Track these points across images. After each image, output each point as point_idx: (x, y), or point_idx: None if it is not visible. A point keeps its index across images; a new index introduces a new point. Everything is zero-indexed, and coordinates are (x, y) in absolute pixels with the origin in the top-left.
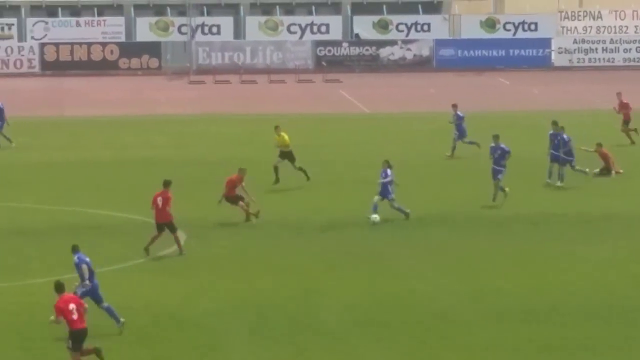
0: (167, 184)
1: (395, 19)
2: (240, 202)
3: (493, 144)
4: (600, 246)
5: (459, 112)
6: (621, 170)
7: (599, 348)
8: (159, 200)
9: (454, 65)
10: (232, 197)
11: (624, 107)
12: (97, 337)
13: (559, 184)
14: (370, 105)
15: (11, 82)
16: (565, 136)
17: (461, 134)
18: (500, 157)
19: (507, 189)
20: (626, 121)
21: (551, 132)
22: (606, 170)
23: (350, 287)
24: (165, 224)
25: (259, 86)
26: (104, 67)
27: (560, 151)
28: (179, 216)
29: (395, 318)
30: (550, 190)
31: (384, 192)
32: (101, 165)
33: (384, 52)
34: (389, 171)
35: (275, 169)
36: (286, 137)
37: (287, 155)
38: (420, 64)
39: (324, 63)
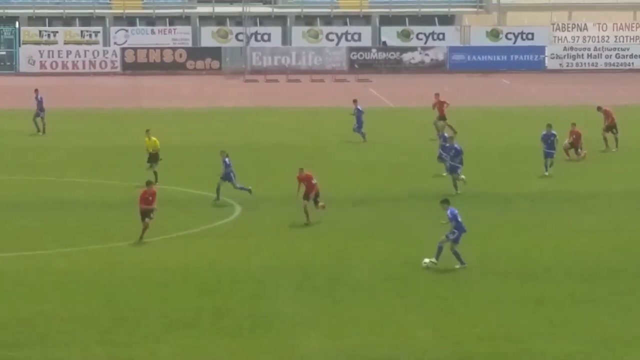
0: (149, 183)
1: (416, 29)
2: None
3: (447, 144)
4: (587, 218)
5: (359, 107)
6: (585, 152)
7: (585, 301)
8: (149, 197)
9: (464, 68)
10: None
11: (440, 104)
12: (164, 290)
13: (547, 173)
14: (395, 101)
15: (97, 80)
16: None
17: (359, 125)
18: (455, 155)
19: (463, 177)
20: (441, 117)
21: (544, 132)
22: (572, 146)
23: (378, 251)
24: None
25: (302, 84)
26: (174, 68)
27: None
28: (235, 192)
29: (414, 276)
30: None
31: (227, 177)
32: (172, 149)
33: (406, 56)
34: (227, 160)
35: (155, 173)
36: (157, 141)
37: (154, 157)
38: (436, 67)
39: (356, 66)
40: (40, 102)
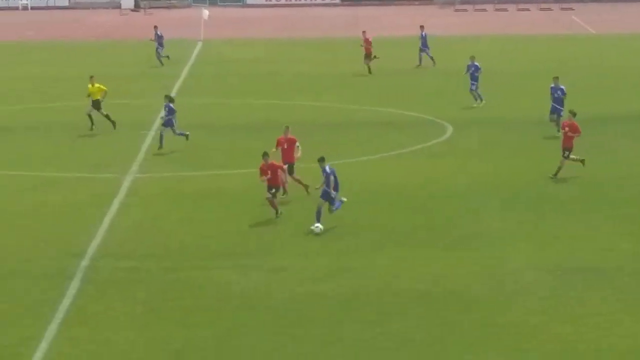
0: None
1: None
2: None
3: (553, 85)
4: None
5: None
6: None
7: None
8: (285, 145)
9: None
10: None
11: (367, 43)
12: (380, 205)
13: None
14: (597, 28)
15: (318, 10)
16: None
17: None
18: (558, 97)
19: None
20: (367, 55)
21: None
22: None
23: (582, 170)
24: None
25: (509, 13)
26: None
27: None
28: (445, 113)
29: (616, 194)
30: None
31: (168, 123)
32: (393, 74)
33: None
34: (171, 105)
35: (90, 116)
36: (101, 86)
37: (96, 104)
38: None
39: None
40: (160, 38)
